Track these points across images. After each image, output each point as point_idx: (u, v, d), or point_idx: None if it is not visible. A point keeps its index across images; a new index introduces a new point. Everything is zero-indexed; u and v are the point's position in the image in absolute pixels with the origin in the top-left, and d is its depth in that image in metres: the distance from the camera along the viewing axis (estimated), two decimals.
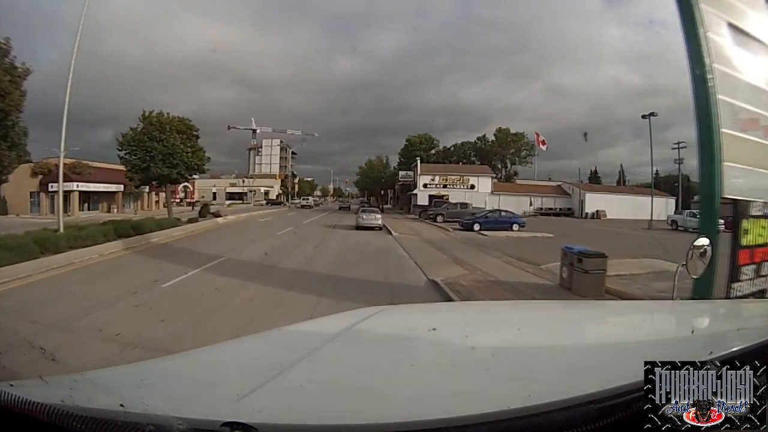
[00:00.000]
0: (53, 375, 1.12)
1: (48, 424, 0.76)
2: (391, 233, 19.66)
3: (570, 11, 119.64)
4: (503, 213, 24.95)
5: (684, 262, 2.04)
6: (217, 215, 25.86)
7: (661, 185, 54.96)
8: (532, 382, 0.90)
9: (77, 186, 32.21)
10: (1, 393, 0.80)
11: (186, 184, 49.63)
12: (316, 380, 0.99)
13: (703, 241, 2.11)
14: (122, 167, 22.17)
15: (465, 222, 23.39)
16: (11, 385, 0.86)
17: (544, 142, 52.21)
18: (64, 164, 29.34)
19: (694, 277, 2.03)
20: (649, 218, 28.66)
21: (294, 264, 10.45)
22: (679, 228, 25.80)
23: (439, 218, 28.64)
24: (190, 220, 20.84)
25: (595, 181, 47.83)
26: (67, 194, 30.52)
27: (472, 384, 0.96)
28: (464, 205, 31.18)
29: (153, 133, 20.04)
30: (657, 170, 65.11)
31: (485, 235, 19.65)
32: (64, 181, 29.43)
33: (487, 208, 30.51)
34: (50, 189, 31.60)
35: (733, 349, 0.89)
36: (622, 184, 56.15)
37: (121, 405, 0.78)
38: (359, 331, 1.40)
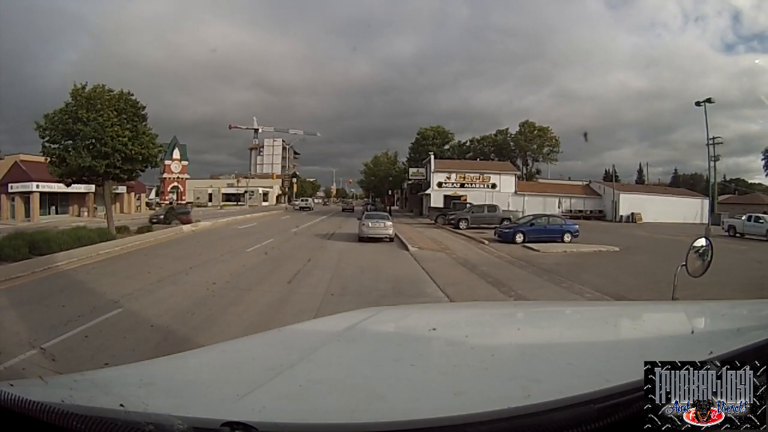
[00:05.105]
0: (53, 375, 1.12)
1: (48, 424, 0.76)
2: (407, 247, 15.18)
3: (579, 19, 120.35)
4: (551, 219, 19.79)
5: (684, 262, 2.05)
6: (185, 221, 22.43)
7: (680, 184, 54.48)
8: (532, 381, 0.90)
9: (38, 186, 28.36)
10: (1, 393, 0.80)
11: (176, 184, 48.95)
12: (316, 380, 0.99)
13: (702, 241, 2.13)
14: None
15: (504, 231, 18.56)
16: (11, 385, 0.86)
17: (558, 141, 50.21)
18: (25, 162, 28.22)
19: (694, 277, 2.04)
20: (691, 221, 26.32)
21: (233, 332, 5.42)
22: (737, 234, 22.85)
23: (462, 224, 24.01)
24: (141, 230, 17.26)
25: (612, 180, 45.54)
26: (27, 196, 29.09)
27: (472, 383, 0.96)
28: (492, 207, 26.14)
29: (79, 113, 14.98)
30: (675, 168, 64.93)
31: (536, 251, 15.29)
32: (24, 180, 28.84)
33: (512, 210, 27.67)
34: (10, 190, 29.38)
35: (733, 349, 0.89)
36: (640, 184, 53.10)
37: (121, 405, 0.78)
38: (359, 330, 1.41)
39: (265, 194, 65.22)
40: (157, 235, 17.17)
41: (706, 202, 35.13)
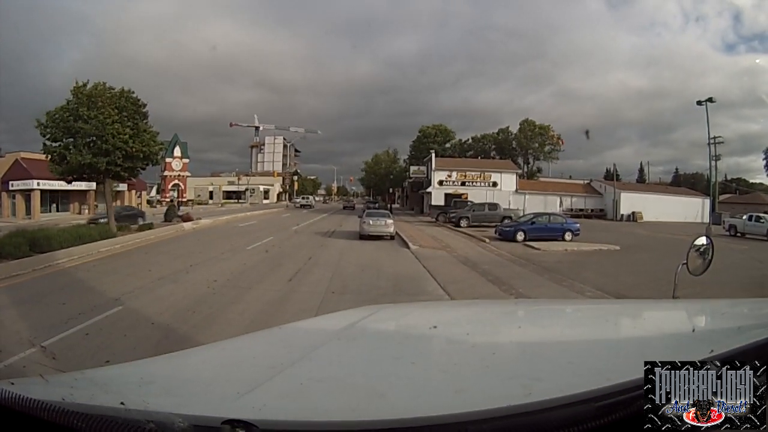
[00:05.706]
0: (54, 373, 1.12)
1: (49, 422, 0.76)
2: (407, 245, 15.16)
3: (580, 19, 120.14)
4: (552, 217, 19.72)
5: (685, 261, 2.05)
6: (186, 219, 22.52)
7: (680, 184, 54.55)
8: (533, 379, 0.90)
9: (38, 184, 28.50)
10: (2, 391, 0.80)
11: (177, 182, 49.10)
12: (317, 378, 0.99)
13: (703, 240, 2.12)
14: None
15: (504, 230, 18.50)
16: (12, 384, 0.87)
17: (561, 141, 50.11)
18: (26, 160, 28.36)
19: (695, 276, 2.04)
20: (692, 220, 26.35)
21: (233, 330, 5.40)
22: (738, 234, 22.83)
23: (463, 222, 24.07)
24: (142, 228, 17.48)
25: (613, 179, 45.14)
26: (27, 193, 29.20)
27: (473, 381, 0.96)
28: (493, 206, 26.10)
29: (80, 110, 14.94)
30: (676, 167, 64.91)
31: (537, 249, 15.24)
32: (24, 178, 29.08)
33: (513, 208, 27.75)
34: (11, 188, 29.38)
35: (734, 348, 0.89)
36: (641, 183, 52.69)
37: (122, 403, 0.78)
38: (360, 328, 1.41)
39: (266, 192, 65.11)
40: (158, 233, 17.21)
41: (707, 201, 35.17)
